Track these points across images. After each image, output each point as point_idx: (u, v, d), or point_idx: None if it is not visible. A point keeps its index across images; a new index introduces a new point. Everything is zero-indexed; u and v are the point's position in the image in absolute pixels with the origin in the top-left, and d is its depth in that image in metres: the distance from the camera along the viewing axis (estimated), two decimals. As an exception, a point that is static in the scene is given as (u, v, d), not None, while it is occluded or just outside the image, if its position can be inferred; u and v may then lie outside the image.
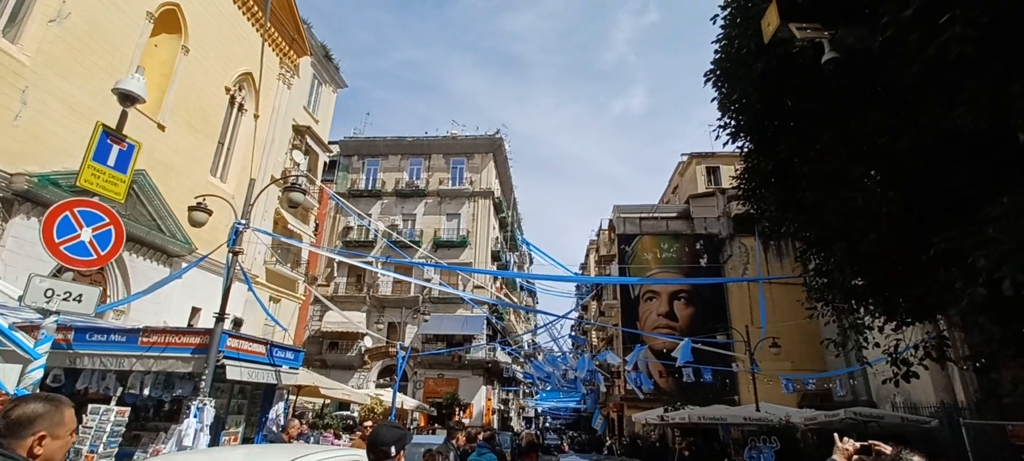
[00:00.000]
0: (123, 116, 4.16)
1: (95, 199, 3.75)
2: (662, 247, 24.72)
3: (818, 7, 4.21)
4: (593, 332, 41.55)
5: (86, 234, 3.60)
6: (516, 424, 44.54)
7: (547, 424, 57.65)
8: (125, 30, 13.17)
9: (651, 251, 24.82)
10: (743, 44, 4.64)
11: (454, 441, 4.93)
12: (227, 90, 16.76)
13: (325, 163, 25.37)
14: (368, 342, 28.98)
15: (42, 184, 10.61)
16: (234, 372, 8.26)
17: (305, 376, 12.25)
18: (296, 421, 7.84)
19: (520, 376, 40.17)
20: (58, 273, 4.08)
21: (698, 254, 24.11)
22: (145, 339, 7.98)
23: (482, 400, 28.15)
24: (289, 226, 20.89)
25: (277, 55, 19.38)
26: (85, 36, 12.19)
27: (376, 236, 29.70)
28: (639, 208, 26.52)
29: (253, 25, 18.01)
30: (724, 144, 7.03)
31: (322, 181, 24.79)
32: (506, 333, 33.47)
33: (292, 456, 3.04)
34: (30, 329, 4.52)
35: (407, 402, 20.38)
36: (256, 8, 17.89)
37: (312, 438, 12.10)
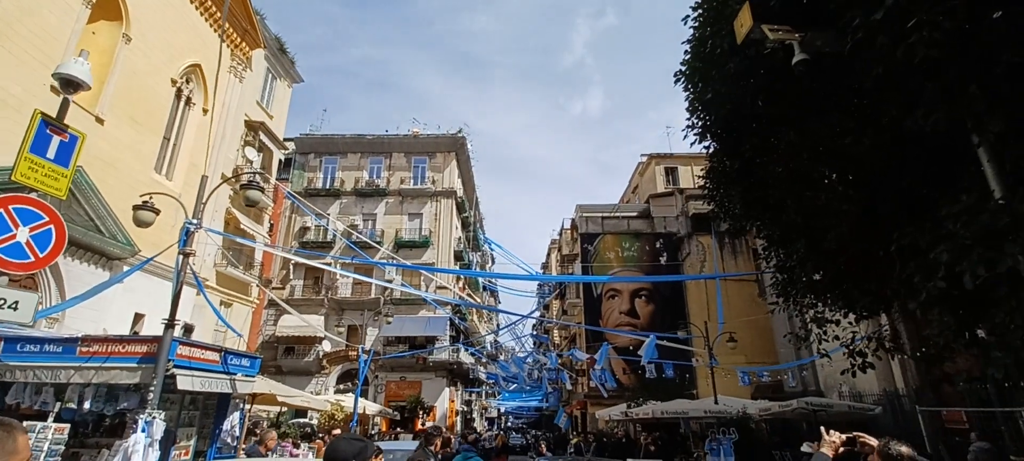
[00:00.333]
0: (64, 105, 3.76)
1: (33, 195, 3.37)
2: (624, 246, 25.19)
3: (789, 10, 4.33)
4: (555, 331, 41.90)
5: (23, 234, 3.21)
6: (479, 424, 44.36)
7: (509, 424, 57.73)
8: (59, 15, 12.18)
9: (613, 250, 25.24)
10: (717, 44, 4.73)
11: (432, 447, 4.78)
12: (173, 82, 15.79)
13: (280, 161, 24.38)
14: (327, 346, 28.10)
15: (-38, 181, 9.63)
16: (185, 382, 7.74)
17: (262, 384, 11.69)
18: (273, 433, 7.38)
19: (483, 377, 40.02)
20: (-15, 278, 3.65)
21: (658, 252, 24.72)
22: (85, 349, 7.36)
23: (445, 402, 27.84)
24: (241, 226, 19.94)
25: (228, 47, 18.43)
26: (14, 21, 11.18)
27: (335, 236, 28.83)
28: (601, 208, 26.93)
29: (202, 14, 17.07)
30: (691, 144, 7.17)
31: (277, 179, 23.82)
32: (469, 334, 33.24)
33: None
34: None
35: (369, 407, 19.87)
36: (205, -3, 16.97)
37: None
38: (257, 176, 9.00)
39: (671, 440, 13.91)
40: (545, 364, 26.91)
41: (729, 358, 19.17)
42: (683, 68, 6.29)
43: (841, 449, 2.64)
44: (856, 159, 4.70)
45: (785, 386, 19.75)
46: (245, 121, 20.26)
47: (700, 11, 5.38)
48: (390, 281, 25.65)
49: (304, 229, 30.47)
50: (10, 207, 3.25)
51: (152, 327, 14.30)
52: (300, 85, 25.16)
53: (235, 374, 9.33)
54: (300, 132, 32.85)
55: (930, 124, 3.78)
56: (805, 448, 8.91)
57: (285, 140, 25.06)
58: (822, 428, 2.85)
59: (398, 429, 25.19)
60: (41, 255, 3.42)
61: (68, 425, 6.48)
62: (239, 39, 18.73)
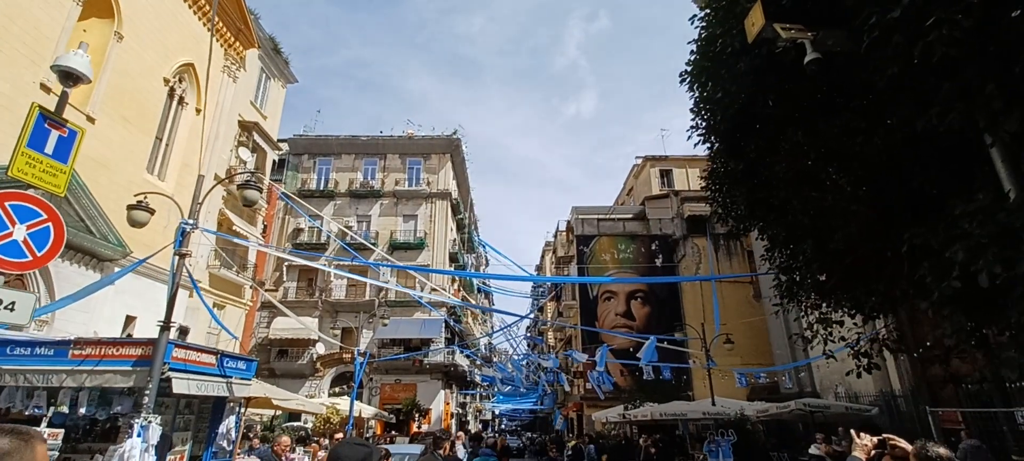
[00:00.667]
0: (62, 99, 3.63)
1: (30, 191, 3.24)
2: (619, 248, 25.20)
3: (801, 8, 4.30)
4: (550, 333, 41.85)
5: (20, 232, 3.08)
6: (473, 427, 44.18)
7: (503, 426, 57.54)
8: (50, 13, 11.97)
9: (609, 251, 25.24)
10: (728, 43, 4.69)
11: (441, 451, 4.68)
12: (166, 82, 15.58)
13: (274, 161, 24.17)
14: (321, 349, 27.83)
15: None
16: (181, 385, 7.59)
17: (257, 387, 11.52)
18: (285, 438, 7.18)
19: (478, 379, 39.88)
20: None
21: (653, 254, 24.75)
22: (77, 351, 7.19)
23: (441, 404, 27.67)
24: (234, 227, 19.71)
25: (222, 46, 18.24)
26: (4, 19, 10.96)
27: (329, 238, 28.59)
28: (597, 210, 26.93)
29: (195, 13, 16.87)
30: (695, 145, 7.15)
31: (270, 181, 23.58)
32: (464, 336, 33.10)
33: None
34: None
35: (365, 410, 19.68)
36: (199, -5, 16.77)
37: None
38: (257, 175, 8.87)
39: (671, 442, 13.87)
40: (543, 366, 26.83)
41: (725, 360, 19.20)
42: (689, 68, 6.26)
43: (872, 452, 2.58)
44: (865, 159, 4.67)
45: (781, 388, 19.82)
46: (239, 121, 20.05)
47: (708, 10, 5.35)
48: (386, 282, 25.46)
49: (297, 230, 30.20)
50: (6, 203, 3.12)
51: (143, 329, 14.06)
52: (293, 86, 24.96)
53: (231, 377, 9.17)
54: (293, 133, 32.60)
55: (945, 124, 3.75)
56: (813, 450, 8.85)
57: (279, 141, 24.83)
58: (853, 431, 2.80)
59: (393, 432, 25.00)
60: (39, 254, 3.29)
61: (61, 430, 6.31)
62: (233, 38, 18.54)
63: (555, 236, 36.51)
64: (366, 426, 22.98)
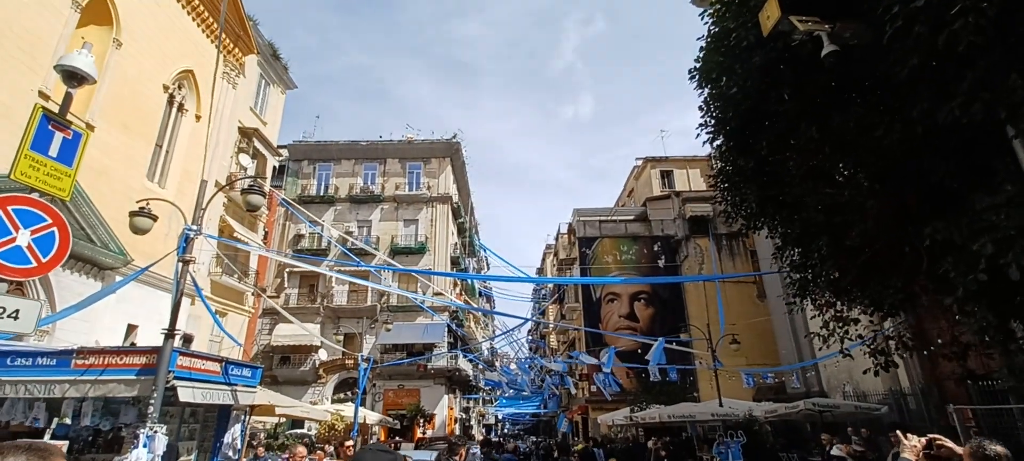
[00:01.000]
0: (66, 100, 3.53)
1: (34, 195, 3.15)
2: (622, 249, 25.11)
3: (818, 0, 4.23)
4: (553, 336, 41.69)
5: (24, 237, 2.99)
6: (476, 432, 43.96)
7: (506, 430, 57.27)
8: (48, 20, 11.90)
9: (611, 253, 25.15)
10: (743, 37, 4.62)
11: (456, 457, 4.58)
12: (165, 88, 15.50)
13: (274, 168, 24.09)
14: (323, 355, 27.66)
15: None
16: (186, 394, 7.48)
17: (261, 394, 11.40)
18: (301, 448, 7.02)
19: (482, 383, 39.72)
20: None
21: (656, 255, 24.65)
22: (80, 361, 7.09)
23: (445, 410, 27.52)
24: (236, 234, 19.59)
25: (222, 52, 18.15)
26: (1, 25, 10.89)
27: (330, 243, 28.48)
28: (598, 211, 26.85)
29: (194, 20, 16.82)
30: (703, 143, 7.06)
31: (271, 187, 23.49)
32: (467, 341, 32.96)
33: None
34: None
35: (369, 416, 19.53)
36: (198, 1, 16.72)
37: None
38: (257, 181, 8.79)
39: (682, 445, 13.75)
40: (549, 369, 26.70)
41: (731, 360, 19.08)
42: (698, 65, 6.18)
43: (921, 454, 2.48)
44: (883, 153, 4.59)
45: (788, 387, 19.69)
46: (239, 127, 19.97)
47: (718, 5, 5.28)
48: (389, 285, 25.34)
49: (298, 236, 30.10)
50: (9, 208, 3.02)
51: (145, 338, 13.94)
52: (291, 93, 24.91)
53: (236, 385, 9.07)
54: (293, 139, 32.55)
55: (968, 115, 3.67)
56: (835, 451, 8.72)
57: (279, 147, 24.76)
58: (899, 432, 2.69)
59: (397, 438, 24.82)
60: (44, 260, 3.19)
61: (65, 443, 6.20)
62: (232, 45, 18.48)
63: (556, 239, 36.43)
64: (370, 433, 22.82)
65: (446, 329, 27.46)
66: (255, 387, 10.17)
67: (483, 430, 50.40)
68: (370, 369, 17.78)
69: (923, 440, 2.63)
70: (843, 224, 5.44)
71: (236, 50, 18.70)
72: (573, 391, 24.27)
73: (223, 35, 17.76)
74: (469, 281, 36.63)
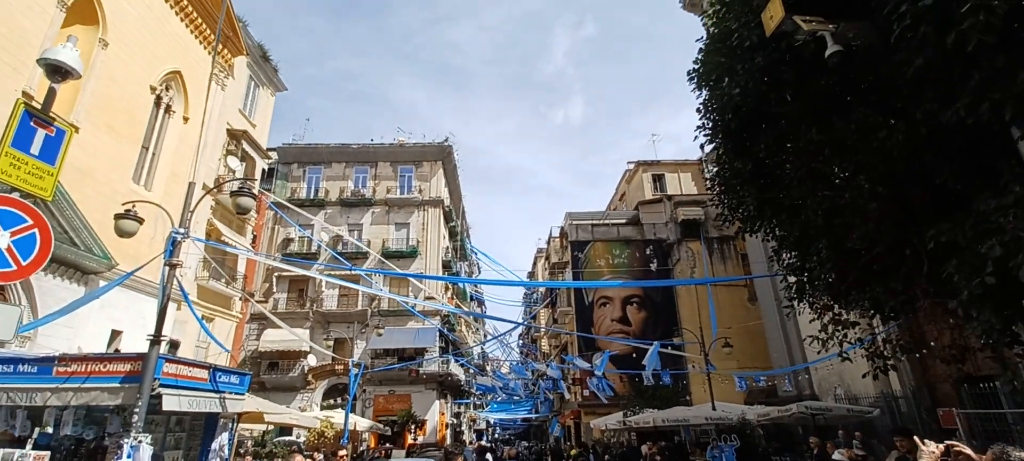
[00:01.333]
0: (50, 95, 3.36)
1: (15, 195, 2.99)
2: (614, 253, 25.11)
3: (821, 0, 4.20)
4: (544, 341, 41.59)
5: (3, 239, 2.82)
6: (467, 437, 43.65)
7: (496, 435, 57.01)
8: (33, 19, 11.61)
9: (603, 257, 25.14)
10: (746, 36, 4.58)
11: (455, 466, 4.45)
12: (152, 89, 15.22)
13: (263, 170, 23.77)
14: (312, 361, 27.32)
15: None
16: (172, 402, 7.28)
17: (250, 402, 11.16)
18: (299, 457, 6.79)
19: (473, 388, 39.47)
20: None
21: (648, 259, 24.69)
22: (62, 368, 6.86)
23: (436, 415, 27.27)
24: (223, 238, 19.27)
25: (210, 54, 17.90)
26: (-19, 23, 10.60)
27: (320, 247, 28.16)
28: (590, 215, 26.85)
29: (183, 20, 16.56)
30: (701, 145, 7.03)
31: (260, 189, 23.18)
32: (458, 345, 32.75)
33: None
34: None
35: (360, 422, 19.27)
36: (186, 2, 16.47)
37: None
38: (247, 183, 8.60)
39: (676, 449, 13.69)
40: (543, 373, 26.60)
41: (723, 363, 19.12)
42: (697, 67, 6.15)
43: (939, 459, 2.41)
44: (886, 155, 4.56)
45: (780, 390, 19.75)
46: (227, 129, 19.69)
47: (719, 6, 5.25)
48: (381, 289, 25.09)
49: (287, 240, 29.74)
50: (-12, 209, 2.87)
51: (130, 344, 13.61)
52: (281, 96, 24.64)
53: (224, 392, 8.86)
54: (283, 142, 32.22)
55: (974, 116, 3.65)
56: (837, 456, 8.70)
57: (268, 150, 24.45)
58: (916, 438, 2.64)
59: (388, 444, 24.53)
60: (24, 263, 3.02)
61: (47, 453, 5.97)
62: (221, 45, 18.22)
63: (548, 242, 36.39)
64: (360, 439, 22.52)
65: (438, 334, 27.25)
66: (243, 394, 9.94)
67: (474, 435, 50.10)
68: (360, 375, 17.54)
69: (941, 447, 2.57)
70: (843, 226, 5.41)
71: (225, 51, 18.44)
72: (566, 396, 24.17)
73: (211, 35, 17.51)
74: (461, 285, 36.44)
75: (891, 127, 4.32)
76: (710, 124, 6.60)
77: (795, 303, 6.89)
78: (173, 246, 7.44)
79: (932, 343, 7.32)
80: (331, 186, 31.11)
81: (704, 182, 28.25)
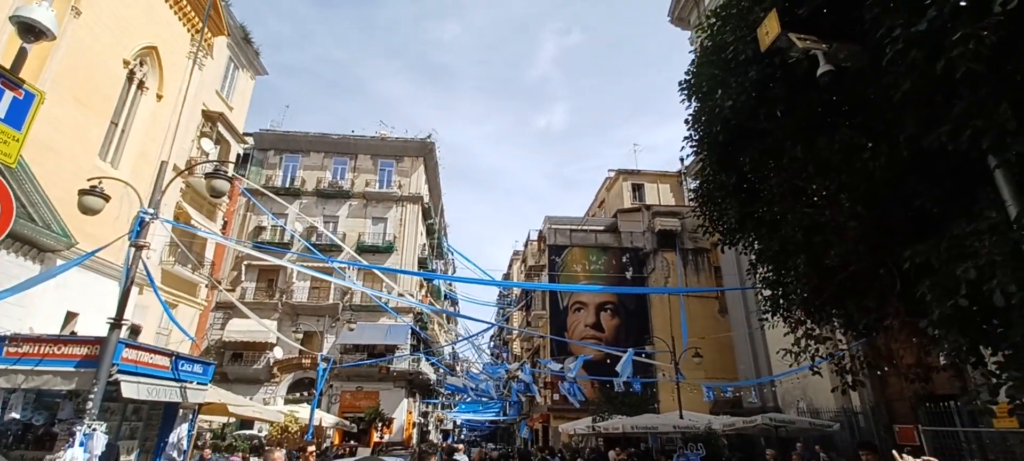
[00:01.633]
0: (20, 56, 3.14)
1: (-26, 160, 2.78)
2: (591, 259, 25.29)
3: (816, 20, 4.28)
4: (517, 343, 41.58)
5: (-41, 205, 2.62)
6: (434, 436, 43.28)
7: (463, 436, 56.73)
8: (-3, -22, 11.00)
9: (580, 262, 25.29)
10: (741, 51, 4.64)
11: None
12: (126, 63, 14.61)
13: (238, 155, 23.10)
14: (278, 353, 26.62)
15: None
16: (131, 389, 6.96)
17: (213, 392, 10.77)
18: (277, 454, 6.50)
19: (444, 388, 39.15)
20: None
21: (624, 267, 24.94)
22: (12, 349, 6.49)
23: (404, 413, 26.93)
24: (193, 222, 18.63)
25: (189, 31, 17.32)
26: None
27: (293, 237, 27.50)
28: (569, 220, 26.99)
29: (161, -6, 15.96)
30: (682, 159, 7.10)
31: (233, 174, 22.51)
32: (430, 344, 32.45)
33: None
34: None
35: (325, 418, 18.85)
36: (166, -25, 15.89)
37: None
38: (222, 167, 8.31)
39: (644, 456, 13.83)
40: (516, 376, 26.54)
41: (692, 373, 19.44)
42: (688, 78, 6.21)
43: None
44: (867, 176, 4.68)
45: (744, 402, 20.17)
46: (203, 111, 19.06)
47: (713, 20, 5.32)
48: (355, 282, 24.64)
49: (260, 229, 28.98)
50: (-56, 172, 2.65)
51: (86, 327, 13.00)
52: (260, 81, 24.02)
53: (187, 381, 8.54)
54: (260, 127, 31.40)
55: (956, 143, 3.76)
56: None
57: (244, 134, 23.79)
58: (895, 452, 2.67)
59: (353, 442, 24.08)
60: (-19, 232, 2.81)
61: (-8, 438, 5.62)
62: (201, 23, 17.63)
63: (525, 245, 36.41)
64: (325, 435, 22.04)
65: (410, 331, 26.93)
66: (207, 385, 9.61)
67: (440, 435, 49.70)
68: (329, 369, 17.16)
69: (918, 461, 2.62)
70: (823, 243, 5.52)
71: (206, 30, 17.84)
72: (538, 399, 24.18)
73: (191, 13, 16.95)
74: (436, 284, 36.14)
75: (874, 149, 4.43)
76: (698, 135, 6.68)
77: (769, 316, 7.01)
78: (140, 227, 7.12)
79: (894, 362, 7.57)
80: (308, 176, 30.46)
81: (682, 194, 28.78)
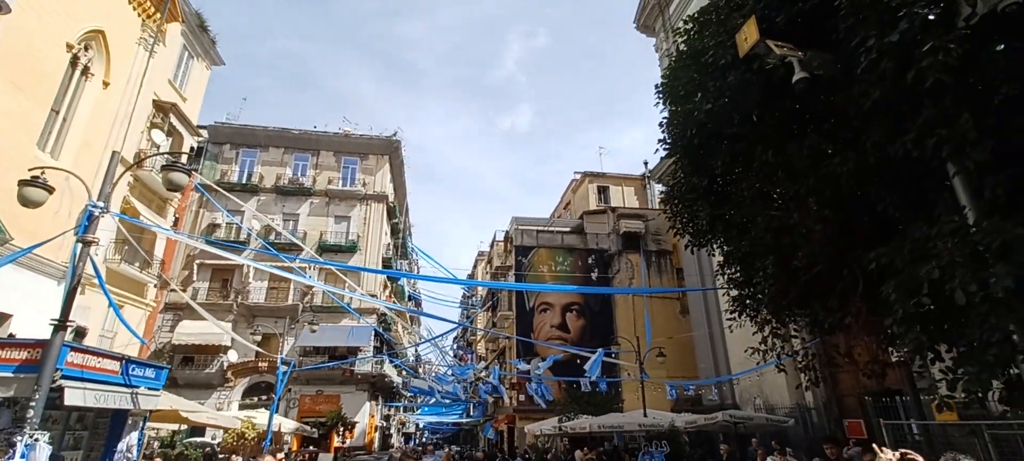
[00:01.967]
0: None
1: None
2: (557, 260, 25.47)
3: (792, 28, 4.42)
4: (481, 343, 41.42)
5: None
6: (396, 440, 42.56)
7: (424, 439, 56.08)
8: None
9: (546, 263, 25.43)
10: (721, 55, 4.75)
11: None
12: (69, 47, 13.65)
13: (191, 148, 21.97)
14: (232, 357, 25.49)
15: None
16: (76, 396, 6.49)
17: (165, 398, 10.18)
18: (269, 458, 6.06)
19: (408, 390, 38.55)
20: None
21: (590, 268, 25.26)
22: (-61, 354, 5.91)
23: (366, 417, 26.33)
24: (142, 218, 17.58)
25: (139, 16, 16.36)
26: None
27: (250, 236, 26.42)
28: (536, 221, 27.11)
29: (109, -26, 15.00)
30: (662, 158, 7.24)
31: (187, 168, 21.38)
32: (393, 345, 31.88)
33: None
34: None
35: (285, 424, 18.19)
36: (115, -45, 14.95)
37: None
38: (180, 158, 7.85)
39: (613, 454, 14.00)
40: (482, 377, 26.39)
41: (655, 372, 19.87)
42: (664, 82, 6.32)
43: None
44: (834, 181, 4.88)
45: (705, 399, 20.77)
46: (153, 101, 18.04)
47: (691, 25, 5.43)
48: (317, 281, 23.89)
49: (213, 226, 27.71)
50: None
51: (20, 329, 12.03)
52: (216, 72, 22.97)
53: (137, 387, 8.04)
54: (214, 120, 30.04)
55: (920, 150, 3.96)
56: None
57: (198, 127, 22.69)
58: (875, 446, 2.77)
59: (312, 448, 23.33)
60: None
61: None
62: (153, 9, 16.69)
63: (491, 246, 36.35)
64: (283, 442, 21.28)
65: (373, 332, 26.36)
66: (159, 390, 9.08)
67: (402, 439, 48.93)
68: (290, 372, 16.56)
69: (897, 454, 2.72)
70: (791, 245, 5.72)
71: (157, 15, 16.90)
72: (506, 399, 24.14)
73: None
74: (400, 284, 35.55)
75: (843, 155, 4.62)
76: (671, 139, 6.81)
77: (737, 316, 7.22)
78: (89, 221, 6.64)
79: (854, 359, 7.96)
80: (267, 172, 29.36)
81: (646, 197, 29.41)
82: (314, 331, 17.71)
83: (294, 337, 25.87)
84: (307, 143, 30.34)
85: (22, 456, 4.92)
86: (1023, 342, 3.51)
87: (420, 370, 46.09)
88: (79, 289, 13.05)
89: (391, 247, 32.69)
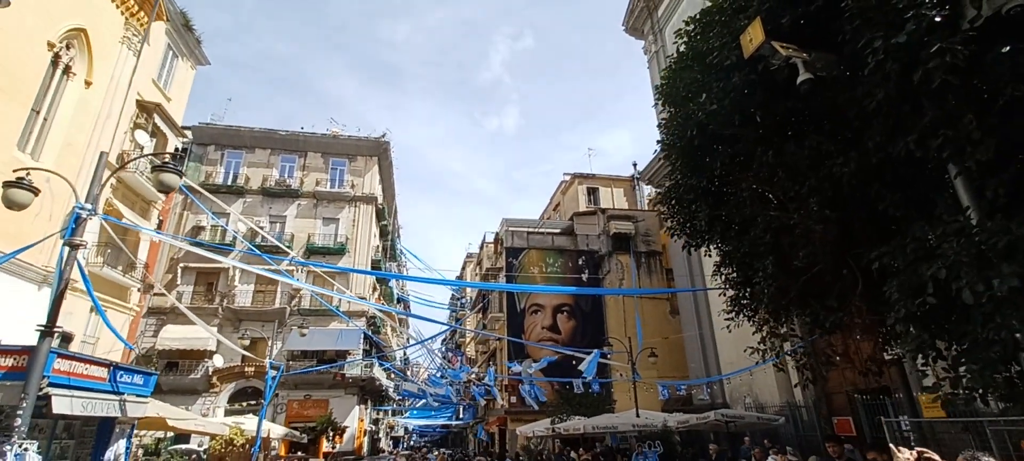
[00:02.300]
0: None
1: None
2: (548, 261, 25.48)
3: (797, 30, 4.45)
4: (471, 345, 41.27)
5: None
6: (385, 443, 42.19)
7: (413, 442, 55.71)
8: None
9: (537, 265, 25.43)
10: (726, 56, 4.77)
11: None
12: (50, 46, 13.29)
13: (176, 149, 21.54)
14: (218, 361, 25.02)
15: None
16: (63, 404, 6.29)
17: (152, 405, 9.93)
18: None
19: (397, 393, 38.23)
20: None
21: (580, 269, 25.31)
22: (-81, 362, 5.68)
23: (355, 421, 26.03)
24: (125, 220, 17.17)
25: (123, 14, 16.01)
26: None
27: (236, 238, 25.97)
28: (526, 223, 27.10)
29: (91, -28, 14.65)
30: (659, 160, 7.25)
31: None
32: (382, 349, 31.60)
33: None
34: None
35: (274, 429, 17.89)
36: (98, -49, 14.60)
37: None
38: (172, 158, 7.65)
39: (609, 454, 14.01)
40: (476, 379, 26.25)
41: (646, 372, 19.97)
42: (664, 83, 6.34)
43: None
44: (835, 181, 4.92)
45: (695, 399, 20.93)
46: (138, 101, 17.64)
47: (693, 27, 5.46)
48: (303, 286, 23.56)
49: (198, 229, 27.19)
50: None
51: (3, 335, 11.66)
52: (201, 72, 22.62)
53: (125, 394, 7.82)
54: (199, 121, 29.50)
55: (923, 150, 4.01)
56: None
57: (183, 128, 22.25)
58: (892, 446, 2.77)
59: (301, 453, 22.98)
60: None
61: None
62: (137, 7, 16.34)
63: (481, 247, 36.25)
64: (271, 447, 20.93)
65: (362, 336, 26.08)
66: (148, 397, 8.87)
67: (391, 442, 48.52)
68: (280, 377, 16.28)
69: (914, 453, 2.73)
70: (791, 245, 5.76)
71: (141, 13, 16.55)
72: (499, 401, 24.05)
73: (126, -6, 15.67)
74: (389, 287, 35.25)
75: (845, 156, 4.66)
76: (670, 139, 6.83)
77: (734, 316, 7.26)
78: (76, 223, 6.45)
79: (851, 358, 8.05)
80: (253, 173, 28.90)
81: (636, 198, 29.57)
82: (304, 335, 17.46)
83: (282, 341, 25.49)
84: (294, 144, 29.96)
85: (10, 467, 4.74)
86: (1025, 340, 3.57)
87: (408, 372, 45.77)
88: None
89: (380, 249, 32.41)
